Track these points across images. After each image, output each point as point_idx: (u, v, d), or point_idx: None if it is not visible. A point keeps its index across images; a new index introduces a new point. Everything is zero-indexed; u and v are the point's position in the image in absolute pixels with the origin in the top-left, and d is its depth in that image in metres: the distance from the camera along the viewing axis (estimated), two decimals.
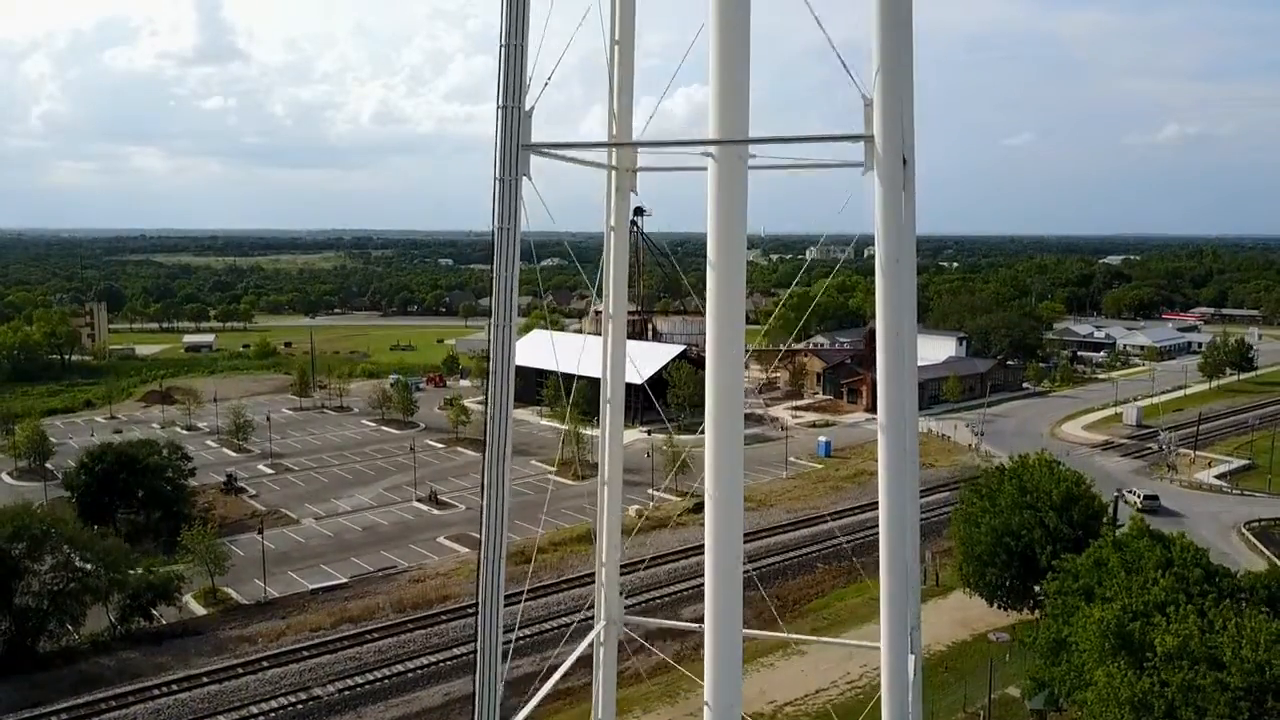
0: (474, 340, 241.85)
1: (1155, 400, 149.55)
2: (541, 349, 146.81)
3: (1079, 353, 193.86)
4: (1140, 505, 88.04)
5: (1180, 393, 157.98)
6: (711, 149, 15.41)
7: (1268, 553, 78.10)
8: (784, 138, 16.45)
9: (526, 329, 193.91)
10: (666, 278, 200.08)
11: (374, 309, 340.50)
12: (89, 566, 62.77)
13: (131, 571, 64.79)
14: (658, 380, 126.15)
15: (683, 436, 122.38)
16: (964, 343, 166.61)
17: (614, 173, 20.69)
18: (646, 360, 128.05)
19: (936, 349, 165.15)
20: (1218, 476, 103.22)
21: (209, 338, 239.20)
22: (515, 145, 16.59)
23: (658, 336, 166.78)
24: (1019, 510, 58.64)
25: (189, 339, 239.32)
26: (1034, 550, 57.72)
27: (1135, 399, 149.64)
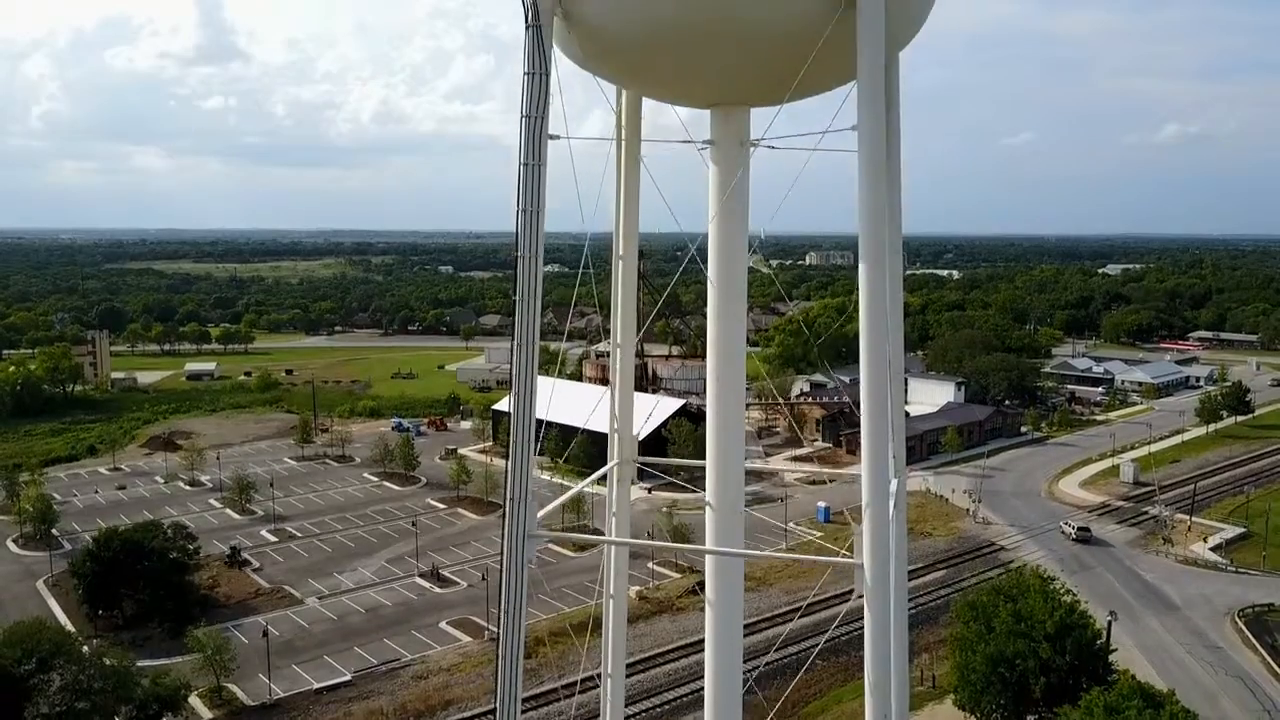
0: (475, 366, 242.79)
1: (1152, 448, 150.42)
2: (542, 397, 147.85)
3: (1077, 390, 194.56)
4: (1074, 536, 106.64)
5: (1178, 439, 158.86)
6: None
7: (1260, 648, 78.95)
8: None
9: None
10: (664, 302, 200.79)
11: (375, 326, 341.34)
12: (97, 685, 63.59)
13: (138, 685, 65.60)
14: (657, 436, 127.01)
15: (684, 495, 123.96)
16: (962, 388, 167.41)
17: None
18: (644, 414, 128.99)
19: (935, 394, 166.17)
20: (1213, 549, 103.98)
21: (210, 365, 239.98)
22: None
23: (656, 381, 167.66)
24: (1013, 638, 59.49)
25: (191, 367, 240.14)
26: (1029, 680, 58.60)
27: (1133, 446, 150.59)
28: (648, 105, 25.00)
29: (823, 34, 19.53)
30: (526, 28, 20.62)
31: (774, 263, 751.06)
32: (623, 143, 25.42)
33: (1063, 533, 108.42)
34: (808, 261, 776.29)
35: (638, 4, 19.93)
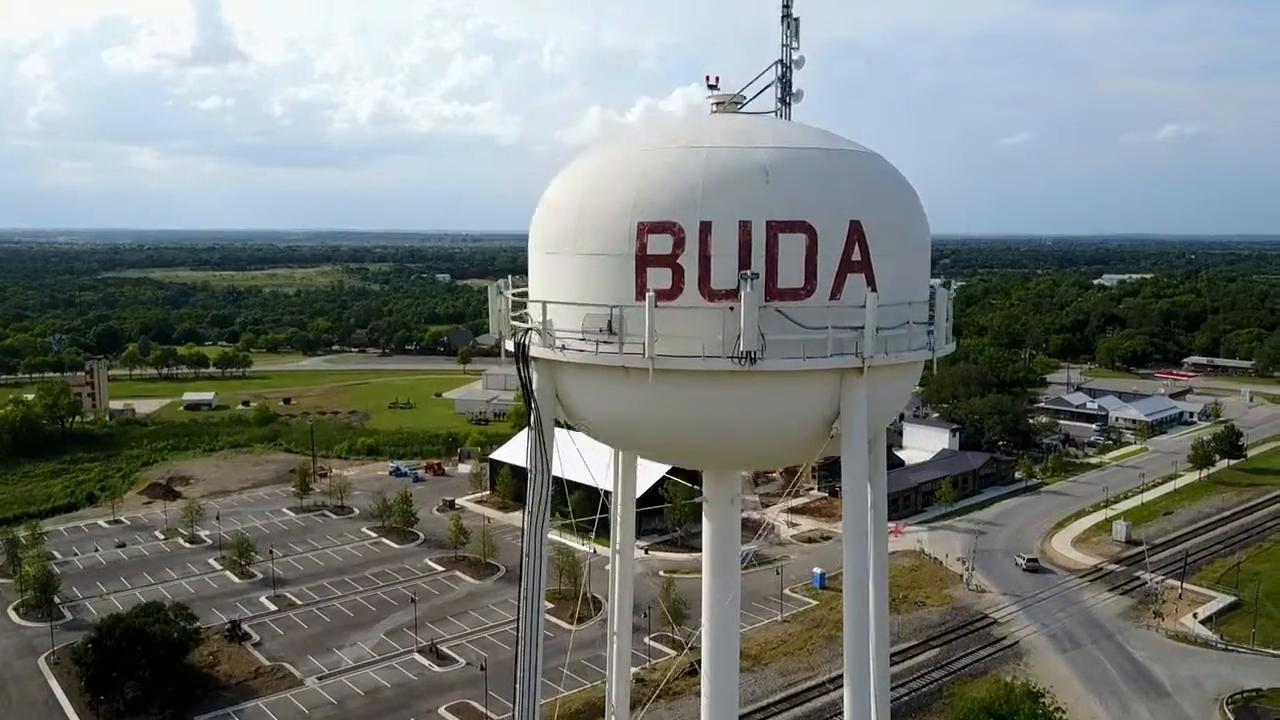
0: (472, 396, 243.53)
1: (1145, 496, 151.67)
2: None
3: (1071, 429, 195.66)
4: (1025, 567, 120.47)
5: (1171, 485, 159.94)
6: None
7: None
8: None
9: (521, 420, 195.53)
10: None
11: (373, 346, 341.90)
12: None
13: None
14: (652, 495, 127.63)
15: (680, 556, 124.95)
16: (956, 434, 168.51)
17: None
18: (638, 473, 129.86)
19: (930, 440, 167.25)
20: (1204, 621, 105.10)
21: (209, 395, 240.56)
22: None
23: None
24: None
25: (189, 396, 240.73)
26: None
27: (1125, 495, 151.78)
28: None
29: (815, 448, 20.51)
30: (530, 427, 21.47)
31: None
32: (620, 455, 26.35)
33: (1016, 563, 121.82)
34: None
35: (638, 438, 20.96)
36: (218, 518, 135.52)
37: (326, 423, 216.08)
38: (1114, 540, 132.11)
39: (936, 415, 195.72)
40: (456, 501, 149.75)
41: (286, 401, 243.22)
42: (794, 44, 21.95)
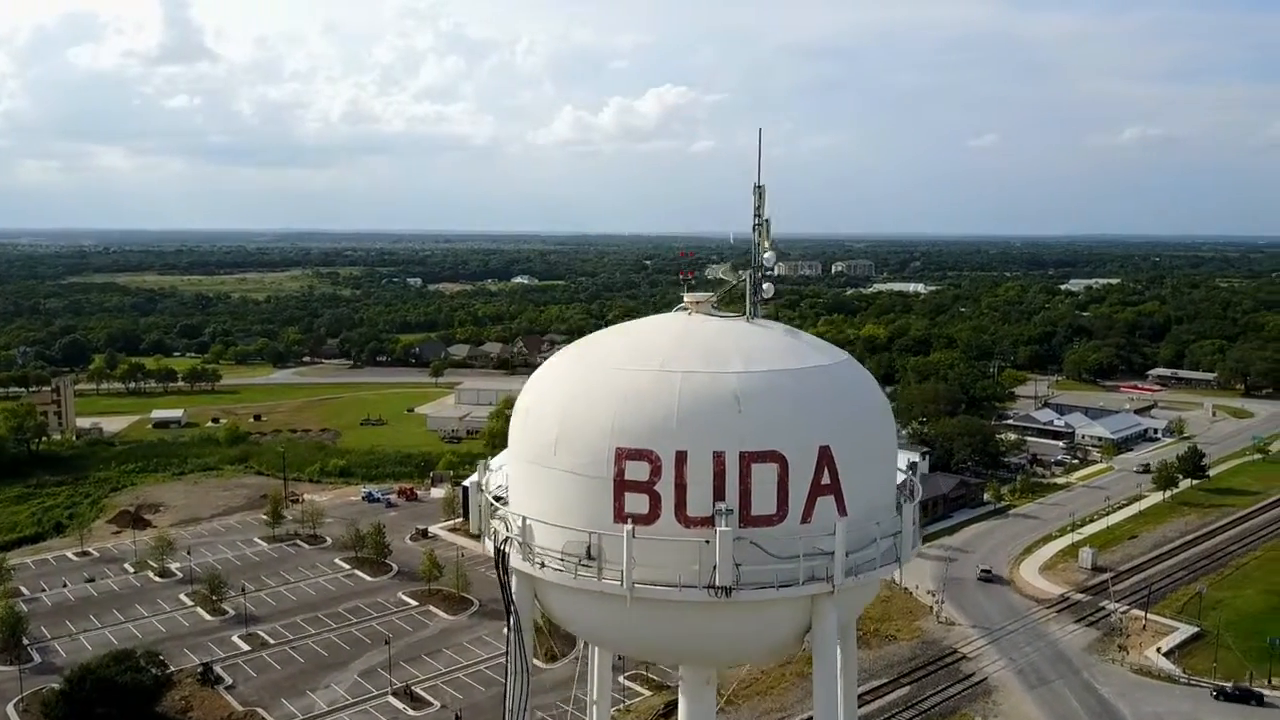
0: (444, 413, 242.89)
1: (1111, 519, 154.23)
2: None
3: (1038, 447, 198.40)
4: (979, 576, 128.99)
5: (1136, 507, 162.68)
6: None
7: None
8: None
9: (502, 438, 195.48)
10: None
11: (344, 357, 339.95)
12: None
13: None
14: None
15: None
16: (926, 457, 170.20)
17: None
18: None
19: (901, 464, 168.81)
20: (1168, 654, 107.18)
21: (178, 413, 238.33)
22: None
23: None
24: None
25: (157, 414, 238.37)
26: None
27: (1092, 518, 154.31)
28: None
29: (788, 653, 21.18)
30: (508, 612, 22.11)
31: (741, 273, 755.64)
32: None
33: (978, 577, 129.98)
34: (776, 271, 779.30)
35: (616, 644, 21.53)
36: (188, 551, 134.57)
37: (297, 441, 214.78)
38: (1080, 567, 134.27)
39: (906, 433, 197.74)
40: (430, 529, 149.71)
41: (257, 418, 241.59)
42: (764, 246, 22.64)
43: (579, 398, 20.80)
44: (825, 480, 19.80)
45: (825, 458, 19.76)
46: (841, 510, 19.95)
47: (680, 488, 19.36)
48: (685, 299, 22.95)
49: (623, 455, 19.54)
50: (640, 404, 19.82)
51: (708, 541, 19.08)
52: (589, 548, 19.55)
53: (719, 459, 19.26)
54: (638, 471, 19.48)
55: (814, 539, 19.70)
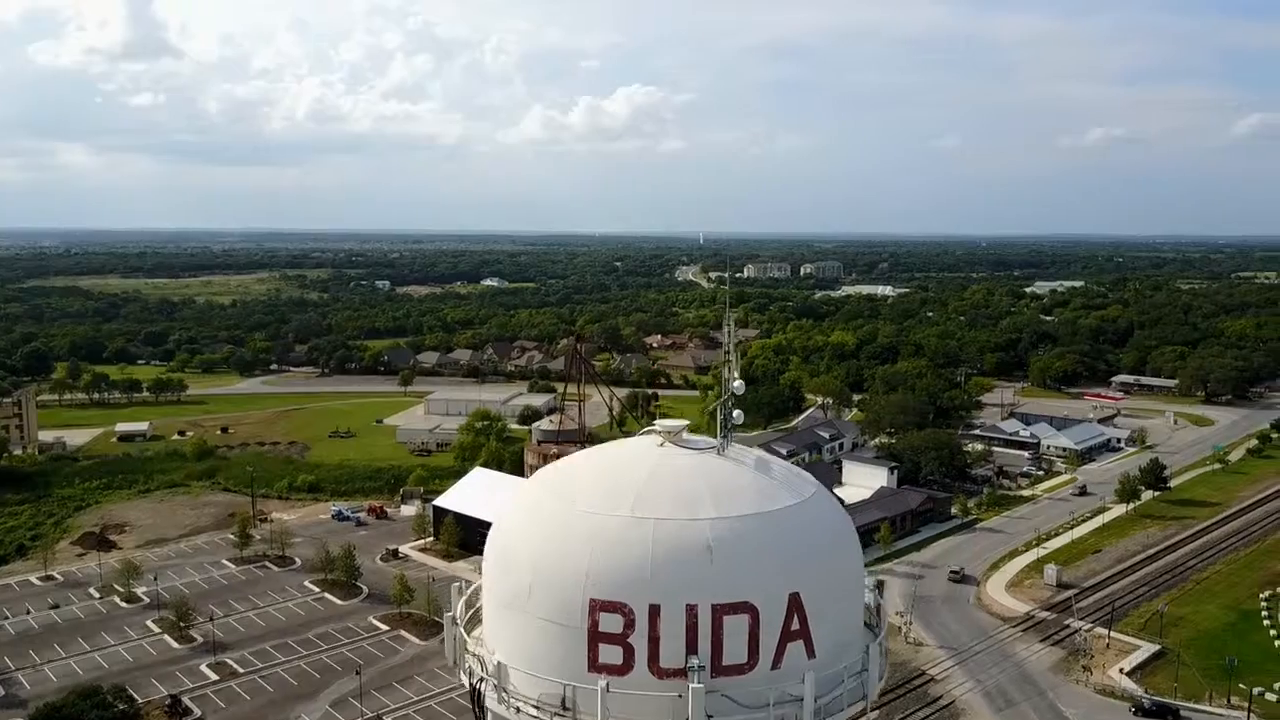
0: (414, 425, 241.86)
1: (1075, 532, 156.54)
2: (483, 493, 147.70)
3: (1004, 458, 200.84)
4: (950, 578, 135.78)
5: (1100, 519, 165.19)
6: None
7: None
8: None
9: (473, 451, 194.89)
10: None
11: (311, 365, 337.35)
12: None
13: None
14: None
15: None
16: (894, 472, 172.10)
17: None
18: None
19: (869, 478, 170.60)
20: (1130, 673, 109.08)
21: (143, 425, 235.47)
22: None
23: None
24: None
25: (122, 426, 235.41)
26: None
27: (1057, 531, 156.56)
28: None
29: None
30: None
31: (713, 275, 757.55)
32: None
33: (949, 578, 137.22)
34: (746, 274, 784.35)
35: None
36: (155, 576, 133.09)
37: (266, 455, 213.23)
38: (1045, 584, 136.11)
39: (875, 444, 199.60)
40: (400, 549, 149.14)
41: (224, 430, 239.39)
42: (733, 377, 23.04)
43: (552, 539, 21.08)
44: (795, 626, 20.23)
45: (795, 605, 20.19)
46: (810, 653, 20.40)
47: (654, 640, 19.71)
48: (657, 426, 23.26)
49: (596, 607, 19.86)
50: (612, 552, 20.15)
51: (680, 695, 19.43)
52: (564, 699, 19.85)
53: (692, 611, 19.63)
54: (611, 624, 19.80)
55: (784, 685, 20.11)
